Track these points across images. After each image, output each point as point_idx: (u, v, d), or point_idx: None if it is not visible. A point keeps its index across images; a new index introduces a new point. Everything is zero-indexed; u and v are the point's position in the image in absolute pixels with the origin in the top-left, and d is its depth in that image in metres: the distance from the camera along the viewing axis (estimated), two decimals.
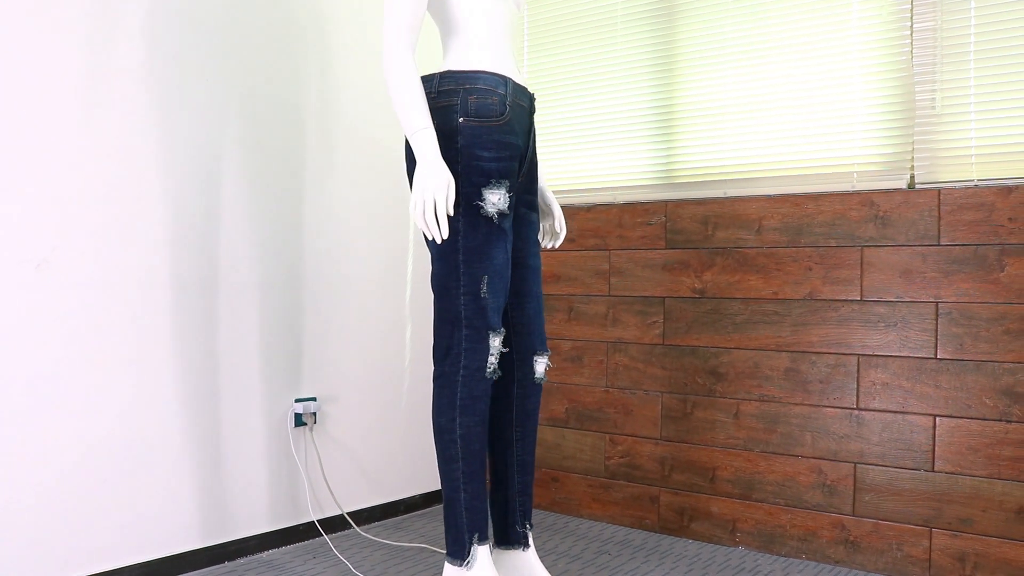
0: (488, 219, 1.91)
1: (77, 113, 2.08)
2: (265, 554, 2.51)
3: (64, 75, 2.05)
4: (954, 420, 2.31)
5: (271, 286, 2.54)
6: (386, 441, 2.94)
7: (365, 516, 2.85)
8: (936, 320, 2.34)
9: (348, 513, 2.78)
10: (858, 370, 2.46)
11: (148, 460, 2.24)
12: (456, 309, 1.92)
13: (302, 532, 2.63)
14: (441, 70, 2.08)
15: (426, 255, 3.09)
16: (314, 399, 2.65)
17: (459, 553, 1.94)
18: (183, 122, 2.31)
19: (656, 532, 2.81)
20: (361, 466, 2.84)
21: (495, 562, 2.13)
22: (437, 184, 1.79)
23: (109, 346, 2.15)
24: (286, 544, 2.58)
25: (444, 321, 1.94)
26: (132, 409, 2.20)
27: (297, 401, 2.61)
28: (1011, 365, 2.24)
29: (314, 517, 2.67)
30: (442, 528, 2.81)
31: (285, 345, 2.58)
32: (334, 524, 2.74)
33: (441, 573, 2.36)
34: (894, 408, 2.40)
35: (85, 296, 2.10)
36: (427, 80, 1.93)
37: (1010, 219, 2.25)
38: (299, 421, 2.60)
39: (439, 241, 1.83)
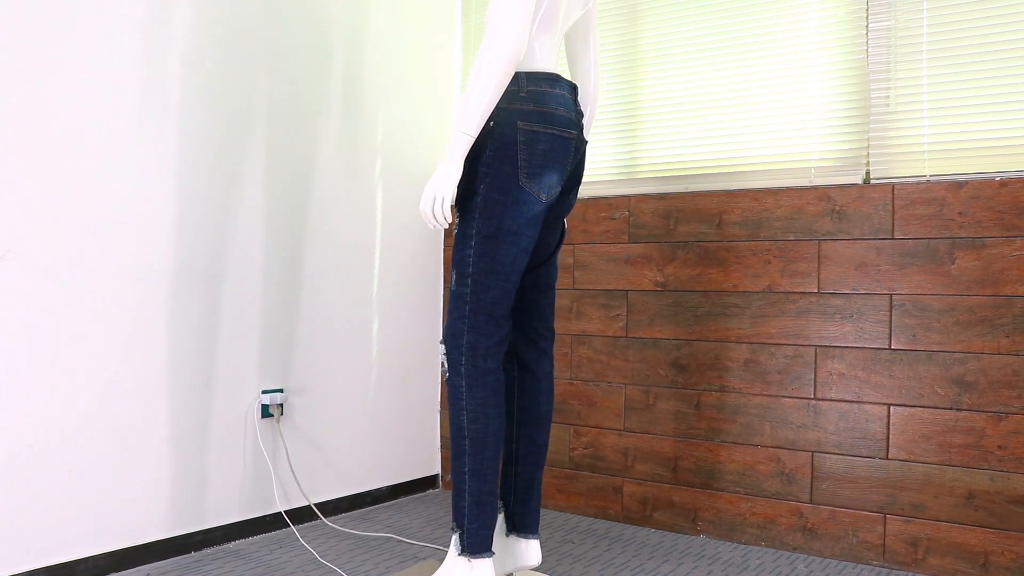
0: None
1: (39, 103, 2.08)
2: (232, 544, 2.52)
3: (18, 66, 2.06)
4: (907, 409, 2.38)
5: (238, 278, 2.55)
6: (353, 433, 2.96)
7: (332, 507, 2.86)
8: (890, 312, 2.41)
9: (315, 504, 2.80)
10: (815, 361, 2.52)
11: (113, 451, 2.24)
12: None
13: (269, 523, 2.64)
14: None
15: (393, 250, 3.11)
16: (281, 391, 2.67)
17: None
18: (149, 115, 2.32)
19: (619, 522, 2.86)
20: (328, 458, 2.86)
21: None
22: None
23: (74, 337, 2.15)
24: (253, 535, 2.59)
25: None
26: (97, 401, 2.21)
27: (264, 392, 2.62)
28: (961, 355, 2.31)
29: (281, 508, 2.68)
30: (408, 519, 2.84)
31: (252, 336, 2.59)
32: (301, 515, 2.75)
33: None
34: (850, 398, 2.46)
35: (49, 288, 2.11)
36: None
37: (960, 213, 2.31)
38: (266, 412, 2.62)
39: None
